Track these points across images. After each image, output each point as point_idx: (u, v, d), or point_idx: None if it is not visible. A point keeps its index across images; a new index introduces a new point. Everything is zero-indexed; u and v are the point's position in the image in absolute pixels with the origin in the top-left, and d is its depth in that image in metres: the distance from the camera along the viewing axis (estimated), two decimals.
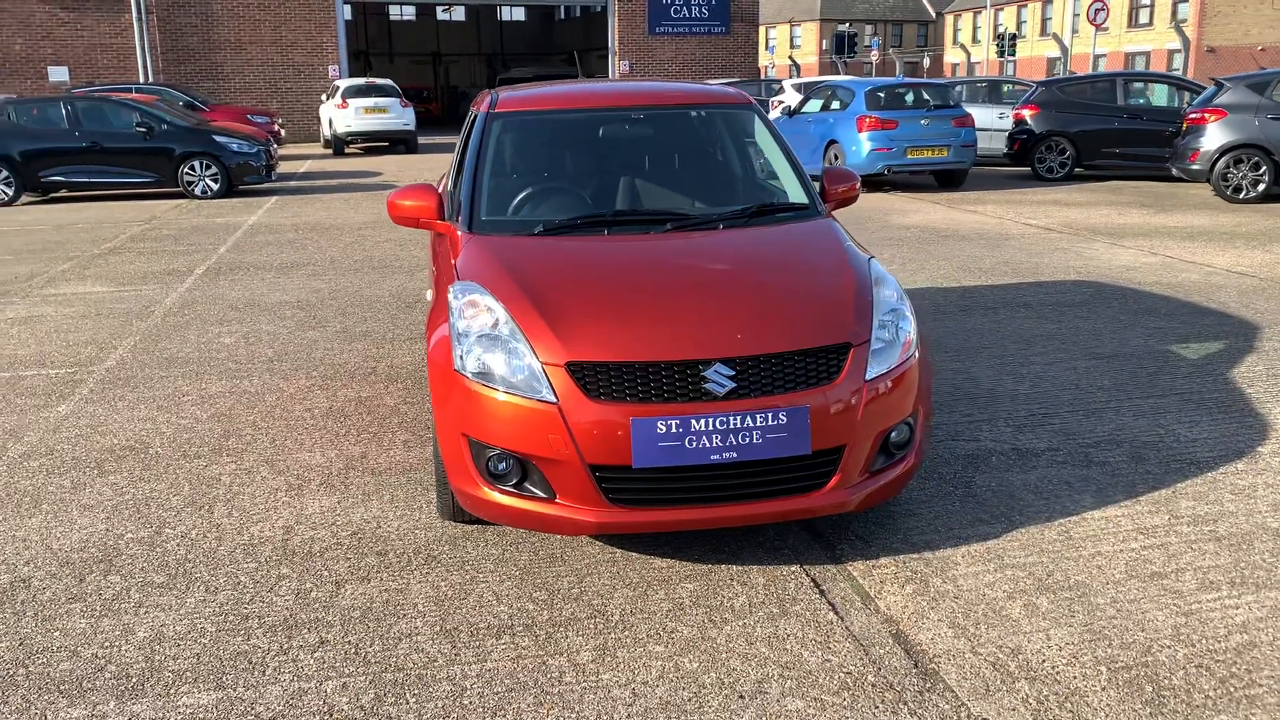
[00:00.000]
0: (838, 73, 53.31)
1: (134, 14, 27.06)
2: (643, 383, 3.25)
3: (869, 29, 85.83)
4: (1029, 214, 12.19)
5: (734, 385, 3.26)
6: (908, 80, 16.29)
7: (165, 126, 15.72)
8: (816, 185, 4.57)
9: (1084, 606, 3.21)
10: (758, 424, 3.24)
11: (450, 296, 3.66)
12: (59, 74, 26.88)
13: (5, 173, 15.30)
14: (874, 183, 15.29)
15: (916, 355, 3.64)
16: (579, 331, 3.35)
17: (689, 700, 2.78)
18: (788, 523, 3.77)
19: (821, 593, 3.35)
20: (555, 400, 3.25)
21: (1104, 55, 56.49)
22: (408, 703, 2.78)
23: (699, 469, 3.25)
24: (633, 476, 3.26)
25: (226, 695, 2.82)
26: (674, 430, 3.21)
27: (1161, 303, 7.29)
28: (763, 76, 35.00)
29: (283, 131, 23.93)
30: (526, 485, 3.35)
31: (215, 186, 15.77)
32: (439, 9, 49.57)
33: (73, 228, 12.84)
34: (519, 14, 51.18)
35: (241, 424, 5.12)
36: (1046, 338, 6.39)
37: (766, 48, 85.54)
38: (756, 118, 4.70)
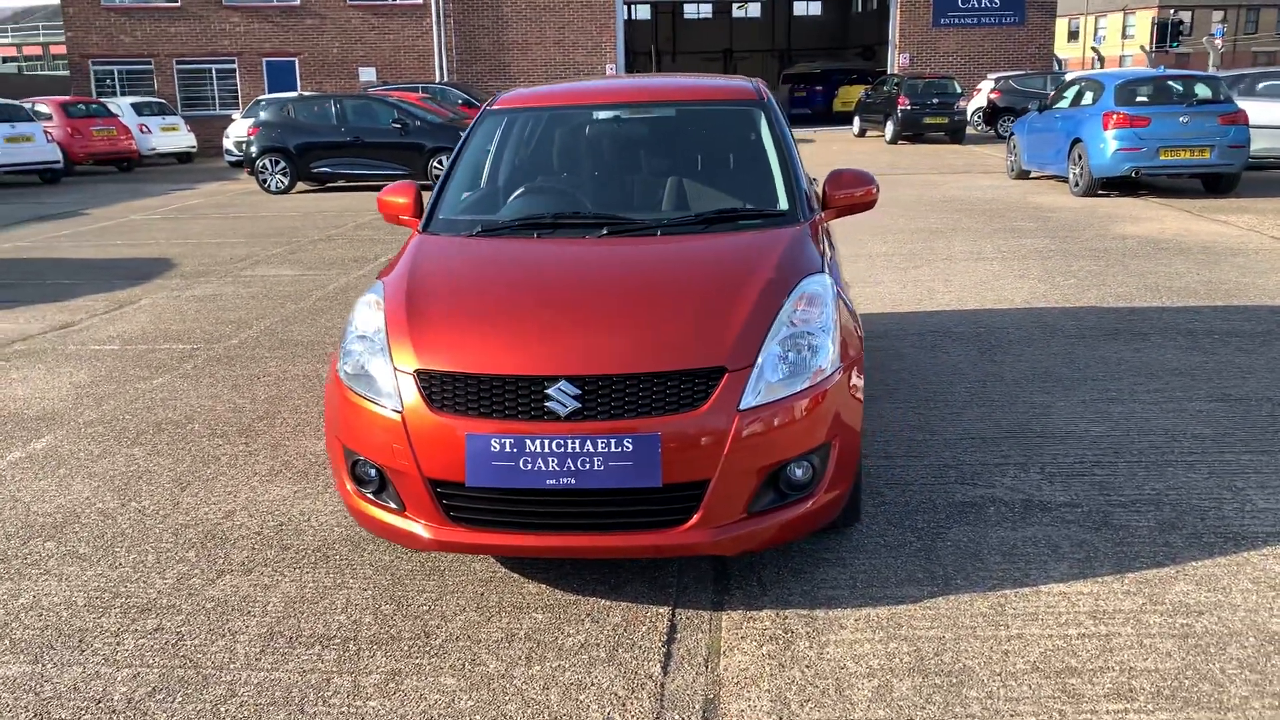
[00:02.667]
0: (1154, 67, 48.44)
1: (434, 18, 29.19)
2: (485, 397, 3.08)
3: (1216, 15, 77.60)
4: None
5: (578, 406, 3.01)
6: (1170, 72, 14.53)
7: (418, 123, 16.85)
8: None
9: (946, 698, 2.70)
10: (599, 450, 2.97)
11: (361, 297, 3.63)
12: (367, 74, 29.51)
13: (282, 164, 16.99)
14: (1127, 185, 13.79)
15: (834, 383, 3.20)
16: (436, 340, 3.21)
17: None
18: (683, 558, 3.44)
19: (669, 641, 3.03)
20: (401, 409, 3.15)
21: None
22: (173, 701, 2.78)
23: (535, 493, 3.03)
24: (468, 495, 3.09)
25: (33, 670, 2.95)
26: (508, 450, 3.00)
27: None
28: (1057, 68, 32.42)
29: None
30: (384, 495, 3.27)
31: None
32: (735, 6, 49.92)
33: (316, 215, 14.04)
34: (814, 8, 50.53)
35: (285, 407, 5.36)
36: (1180, 373, 5.47)
37: (1094, 38, 79.50)
38: (762, 115, 4.32)
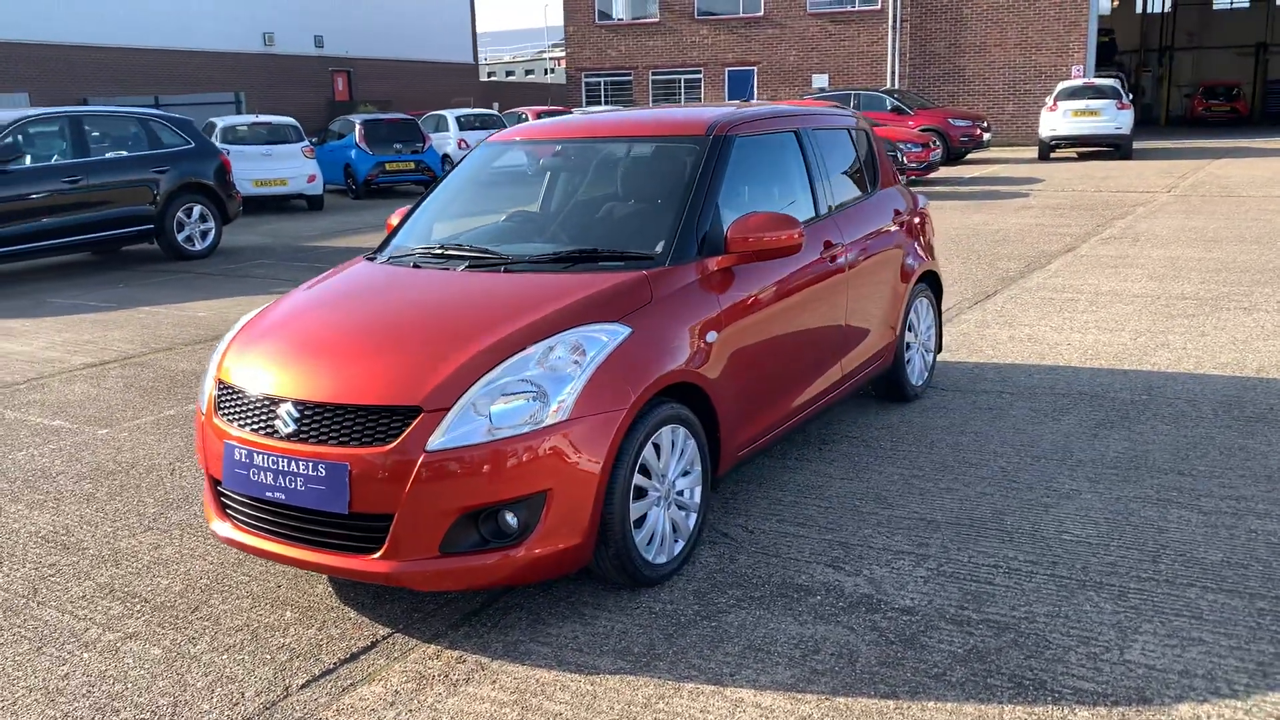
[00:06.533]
0: None
1: (890, 23, 28.95)
2: (242, 409, 3.46)
3: None
4: None
5: (295, 428, 3.29)
6: None
7: None
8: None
9: None
10: (301, 471, 3.24)
11: None
12: (820, 81, 30.05)
13: None
14: None
15: (556, 434, 3.16)
16: (236, 354, 3.65)
17: (31, 697, 3.07)
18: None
19: (347, 660, 3.20)
20: (205, 413, 3.64)
21: None
22: None
23: (260, 502, 3.36)
24: (228, 496, 3.50)
25: None
26: (244, 459, 3.37)
27: None
28: None
29: (986, 135, 23.76)
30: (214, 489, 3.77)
31: None
32: None
33: None
34: None
35: None
36: None
37: None
38: (699, 154, 4.12)
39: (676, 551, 3.64)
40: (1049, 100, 23.44)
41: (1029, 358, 6.44)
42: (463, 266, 3.96)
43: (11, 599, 3.68)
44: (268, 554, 3.39)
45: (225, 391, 3.57)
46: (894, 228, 5.28)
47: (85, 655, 3.29)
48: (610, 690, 2.96)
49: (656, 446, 3.50)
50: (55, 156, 11.32)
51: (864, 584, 3.52)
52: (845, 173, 5.09)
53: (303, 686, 3.07)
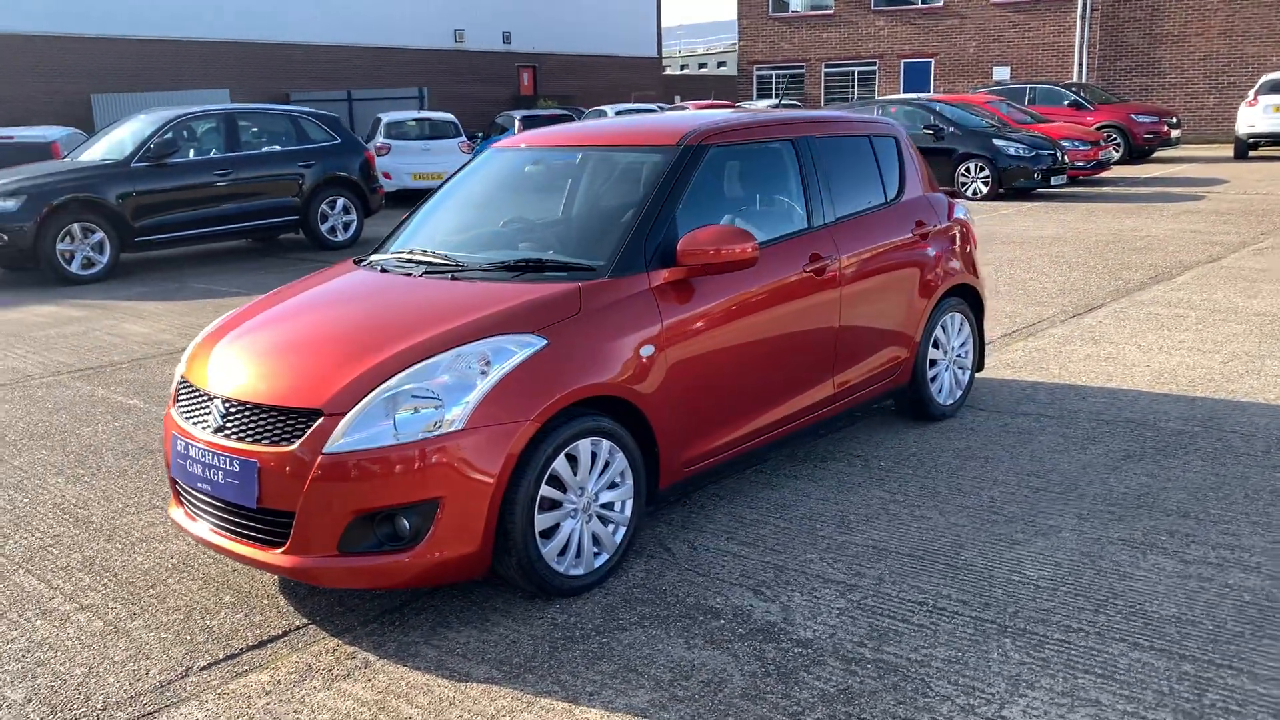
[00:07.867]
0: None
1: (1078, 12, 27.40)
2: (190, 402, 3.69)
3: None
4: None
5: (220, 423, 3.48)
6: None
7: (952, 129, 16.42)
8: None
9: None
10: (221, 465, 3.43)
11: None
12: (1001, 73, 28.77)
13: None
14: None
15: (450, 443, 3.23)
16: (199, 351, 3.88)
17: None
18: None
19: (254, 648, 3.37)
20: (168, 403, 3.89)
21: None
22: None
23: (195, 491, 3.58)
24: (178, 484, 3.73)
25: None
26: (182, 450, 3.60)
27: None
28: None
29: (1174, 133, 22.17)
30: None
31: (984, 189, 16.00)
32: None
33: None
34: None
35: None
36: None
37: None
38: (666, 164, 4.06)
39: (597, 565, 3.64)
40: (1250, 94, 21.65)
41: (1095, 379, 6.02)
42: (420, 273, 4.07)
43: (5, 565, 4.04)
44: (203, 540, 3.60)
45: (182, 385, 3.81)
46: (915, 239, 5.05)
47: (38, 623, 3.58)
48: (468, 699, 3.00)
49: (574, 459, 3.51)
50: (212, 151, 12.20)
51: (775, 611, 3.42)
52: (855, 183, 4.89)
53: (203, 669, 3.25)
